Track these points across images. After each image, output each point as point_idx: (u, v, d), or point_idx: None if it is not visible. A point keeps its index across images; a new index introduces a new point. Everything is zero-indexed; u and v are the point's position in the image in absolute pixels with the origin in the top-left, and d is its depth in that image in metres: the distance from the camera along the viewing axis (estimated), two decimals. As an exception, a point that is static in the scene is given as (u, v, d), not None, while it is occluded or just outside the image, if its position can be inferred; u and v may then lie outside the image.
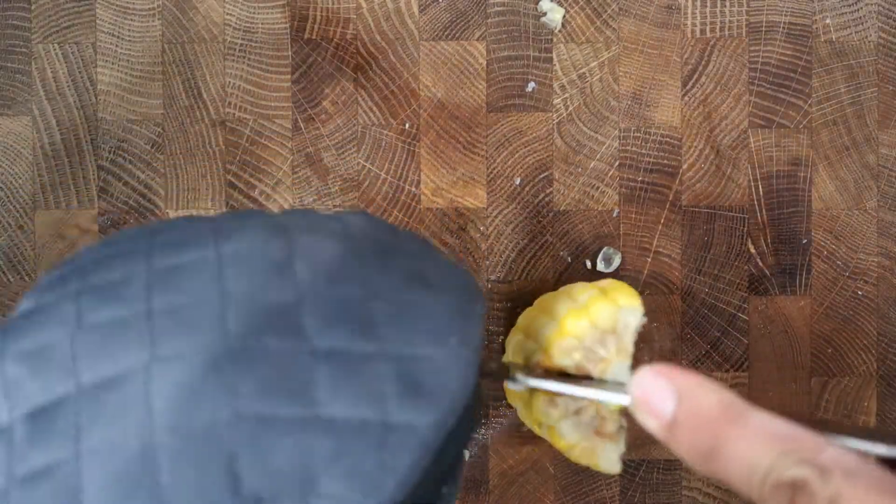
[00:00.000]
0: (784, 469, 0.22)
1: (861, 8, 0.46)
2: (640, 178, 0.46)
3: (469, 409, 0.28)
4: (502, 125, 0.46)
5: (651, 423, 0.25)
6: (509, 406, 0.46)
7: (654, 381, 0.25)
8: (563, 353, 0.36)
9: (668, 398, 0.25)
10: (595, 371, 0.36)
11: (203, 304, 0.26)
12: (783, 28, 0.46)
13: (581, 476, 0.45)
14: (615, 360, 0.36)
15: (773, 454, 0.22)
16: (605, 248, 0.46)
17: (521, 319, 0.42)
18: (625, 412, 0.38)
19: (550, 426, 0.37)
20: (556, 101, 0.46)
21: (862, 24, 0.46)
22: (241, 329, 0.25)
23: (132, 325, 0.25)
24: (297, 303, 0.26)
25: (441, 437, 0.25)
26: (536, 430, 0.39)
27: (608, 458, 0.37)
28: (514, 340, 0.41)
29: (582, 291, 0.39)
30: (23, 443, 0.25)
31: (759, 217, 0.46)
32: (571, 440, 0.37)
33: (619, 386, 0.33)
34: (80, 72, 0.45)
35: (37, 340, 0.26)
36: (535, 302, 0.42)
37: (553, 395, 0.36)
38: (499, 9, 0.46)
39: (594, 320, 0.37)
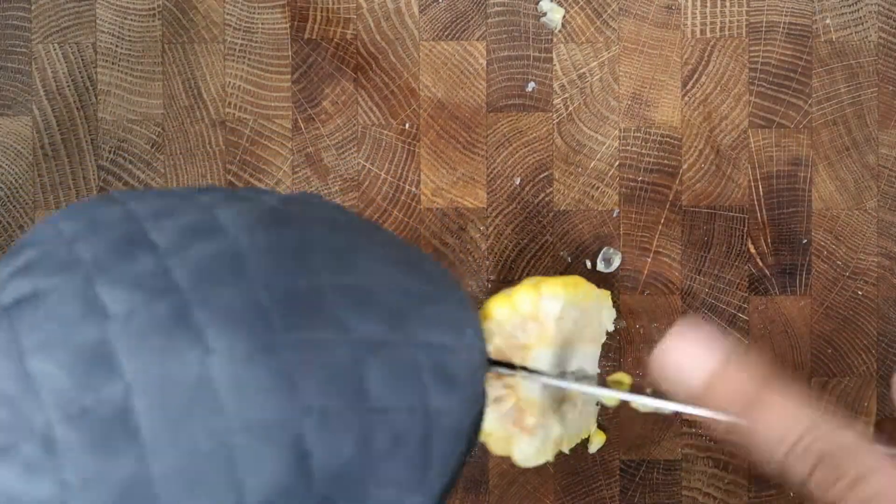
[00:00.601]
0: (816, 440, 0.24)
1: (861, 8, 0.46)
2: (640, 178, 0.46)
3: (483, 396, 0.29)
4: (502, 125, 0.46)
5: (692, 369, 0.26)
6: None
7: (705, 334, 0.26)
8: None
9: (716, 350, 0.26)
10: (517, 357, 0.36)
11: (237, 291, 0.25)
12: (783, 28, 0.46)
13: (581, 476, 0.45)
14: (536, 346, 0.36)
15: (807, 423, 0.24)
16: (605, 248, 0.46)
17: None
18: (541, 410, 0.38)
19: None
20: (556, 101, 0.46)
21: (862, 24, 0.46)
22: (287, 320, 0.25)
23: (170, 316, 0.24)
24: (326, 292, 0.26)
25: (470, 424, 0.27)
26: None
27: (523, 451, 0.37)
28: None
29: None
30: (70, 447, 0.23)
31: (759, 217, 0.46)
32: (486, 428, 0.37)
33: (588, 379, 0.33)
34: (80, 72, 0.45)
35: (58, 334, 0.24)
36: None
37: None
38: (499, 9, 0.46)
39: (515, 306, 0.37)
